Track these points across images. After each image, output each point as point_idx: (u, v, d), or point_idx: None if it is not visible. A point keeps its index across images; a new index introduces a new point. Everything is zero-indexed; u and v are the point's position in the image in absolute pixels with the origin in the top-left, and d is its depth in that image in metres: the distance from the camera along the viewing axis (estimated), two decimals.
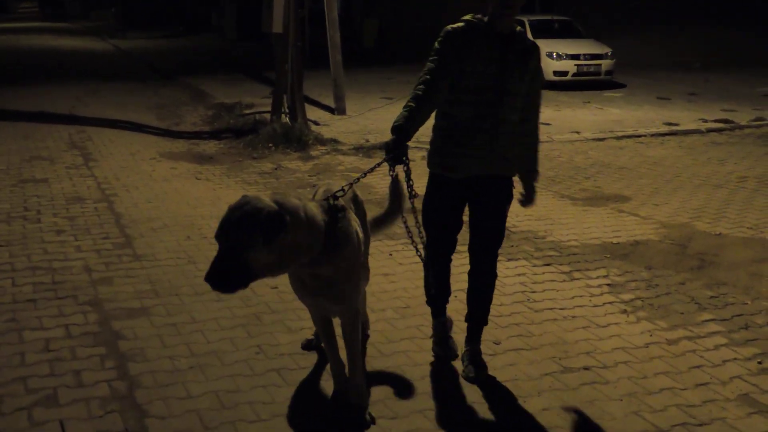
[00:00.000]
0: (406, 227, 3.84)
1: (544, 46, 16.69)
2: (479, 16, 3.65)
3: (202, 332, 4.37)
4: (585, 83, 16.55)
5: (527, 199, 3.94)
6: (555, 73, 16.51)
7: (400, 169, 3.57)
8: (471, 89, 3.57)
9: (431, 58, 3.58)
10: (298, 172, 8.65)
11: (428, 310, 4.69)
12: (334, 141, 10.24)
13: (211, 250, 5.81)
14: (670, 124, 11.88)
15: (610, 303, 4.86)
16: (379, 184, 8.08)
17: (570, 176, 8.50)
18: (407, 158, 3.43)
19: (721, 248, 5.95)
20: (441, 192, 3.80)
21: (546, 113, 13.07)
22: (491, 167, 3.68)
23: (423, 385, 3.79)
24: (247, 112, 12.70)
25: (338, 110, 12.73)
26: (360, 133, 10.94)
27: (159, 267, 5.46)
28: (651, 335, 4.37)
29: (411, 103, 3.47)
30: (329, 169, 8.76)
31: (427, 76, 3.52)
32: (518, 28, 3.67)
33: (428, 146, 3.87)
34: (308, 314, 4.61)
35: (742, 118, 12.43)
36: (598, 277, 5.32)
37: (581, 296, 4.95)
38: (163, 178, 8.23)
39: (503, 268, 5.47)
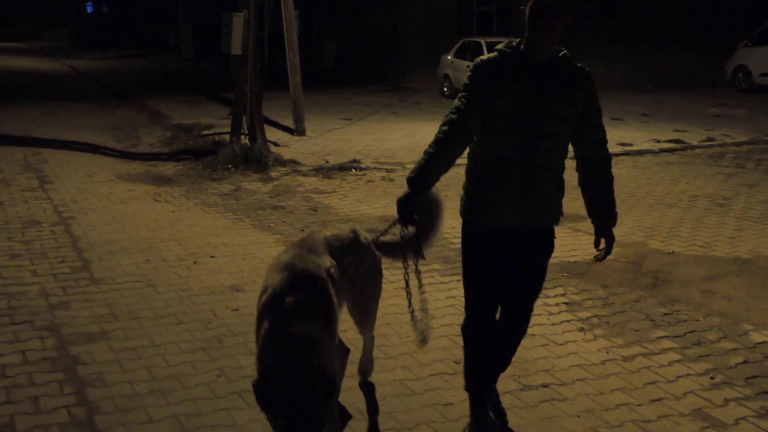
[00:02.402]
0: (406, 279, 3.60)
1: None
2: (515, 43, 3.15)
3: (163, 356, 4.35)
4: None
5: (607, 250, 3.38)
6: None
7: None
8: (500, 130, 3.10)
9: (460, 95, 3.14)
10: (258, 193, 8.65)
11: (388, 330, 4.74)
12: (294, 162, 10.27)
13: (171, 272, 5.80)
14: (624, 144, 12.12)
15: (567, 321, 4.95)
16: (339, 204, 8.12)
17: None
18: (415, 220, 3.07)
19: (674, 266, 6.09)
20: (474, 243, 3.33)
21: None
22: (525, 217, 3.21)
23: (392, 403, 3.81)
24: (206, 133, 12.66)
25: (298, 131, 12.77)
26: (320, 154, 10.98)
27: (117, 290, 5.42)
28: (607, 352, 4.46)
29: (430, 149, 3.05)
30: (289, 191, 8.77)
31: (453, 116, 3.08)
32: (562, 52, 3.15)
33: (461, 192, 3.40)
34: None
35: (693, 138, 12.74)
36: (555, 296, 5.41)
37: (539, 314, 5.03)
38: (120, 201, 8.16)
39: (462, 288, 5.53)
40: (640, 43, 24.24)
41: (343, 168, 9.99)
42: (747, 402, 3.87)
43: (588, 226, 7.24)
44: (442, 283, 5.67)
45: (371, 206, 8.04)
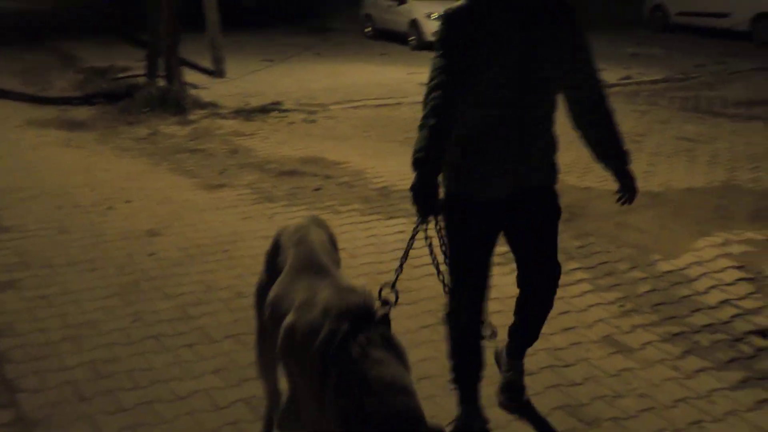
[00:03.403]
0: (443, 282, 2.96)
1: (424, 7, 16.85)
2: None
3: (76, 303, 4.27)
4: None
5: (628, 191, 3.05)
6: (434, 33, 16.68)
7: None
8: (489, 85, 2.73)
9: (437, 55, 2.73)
10: (176, 136, 8.45)
11: None
12: (214, 104, 10.05)
13: (84, 218, 5.65)
14: None
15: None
16: (259, 146, 8.01)
17: None
18: (440, 205, 2.64)
19: (588, 201, 6.24)
20: (465, 220, 2.90)
21: (426, 74, 13.21)
22: (524, 180, 2.89)
23: None
24: (121, 75, 12.25)
25: (217, 73, 12.48)
26: (240, 96, 10.76)
27: (28, 238, 5.26)
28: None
29: (430, 120, 2.59)
30: (209, 133, 8.59)
31: (443, 77, 2.65)
32: None
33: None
34: (189, 279, 4.59)
35: (611, 77, 12.92)
36: None
37: None
38: (31, 147, 7.88)
39: (383, 227, 5.58)
40: None
41: (264, 110, 9.83)
42: (653, 327, 4.03)
43: None
44: (362, 222, 5.68)
45: (293, 148, 7.96)
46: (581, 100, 2.94)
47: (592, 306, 4.30)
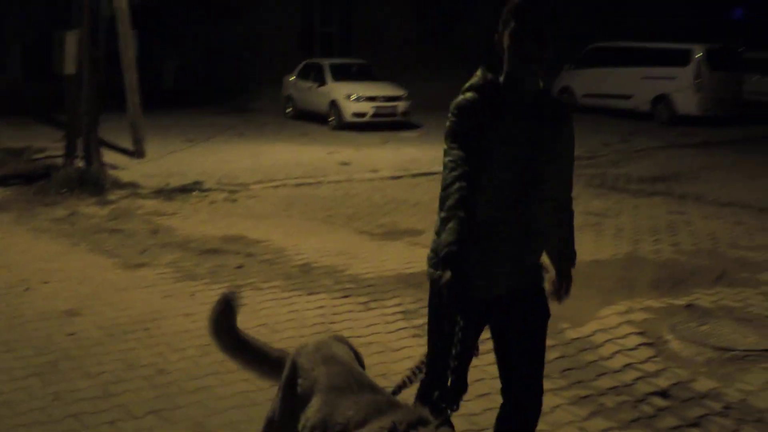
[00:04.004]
0: None
1: (343, 88, 17.35)
2: (490, 77, 2.73)
3: None
4: (382, 124, 17.30)
5: (562, 291, 3.05)
6: (354, 114, 17.15)
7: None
8: (496, 183, 2.66)
9: (451, 145, 2.64)
10: (95, 217, 8.43)
11: None
12: (134, 185, 10.07)
13: (1, 300, 5.59)
14: None
15: (403, 328, 5.20)
16: (180, 225, 8.07)
17: (368, 213, 8.90)
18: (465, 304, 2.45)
19: None
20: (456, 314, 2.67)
21: (346, 153, 13.59)
22: (517, 281, 2.81)
23: (233, 414, 3.89)
24: (38, 156, 12.16)
25: (137, 153, 12.51)
26: (161, 176, 10.81)
27: None
28: None
29: (459, 212, 2.46)
30: (128, 213, 8.60)
31: (465, 167, 2.55)
32: (541, 84, 2.78)
33: (430, 247, 2.94)
34: (109, 357, 4.60)
35: None
36: (393, 306, 5.66)
37: (377, 324, 5.26)
38: None
39: (304, 302, 5.70)
40: (476, 65, 25.37)
41: (185, 190, 9.91)
42: (562, 392, 4.25)
43: (425, 239, 7.62)
44: (284, 298, 5.79)
45: (214, 226, 8.04)
46: (558, 198, 2.89)
47: None
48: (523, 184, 2.71)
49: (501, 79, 2.72)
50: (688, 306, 5.66)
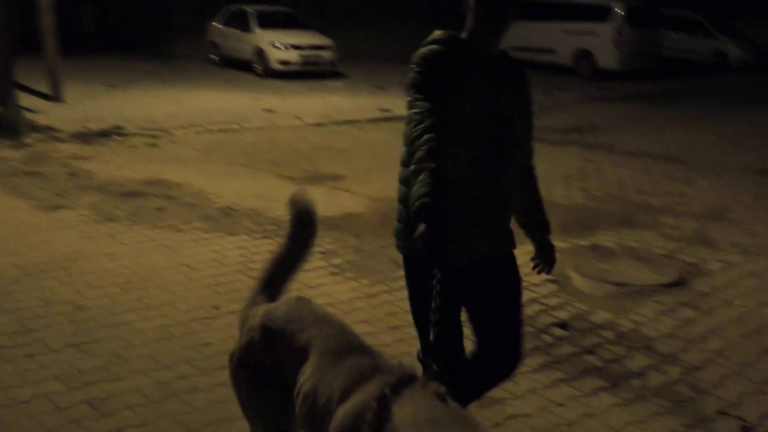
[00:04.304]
0: None
1: (269, 35, 17.18)
2: (452, 33, 2.69)
3: None
4: (309, 73, 17.24)
5: (547, 261, 3.05)
6: (279, 62, 17.03)
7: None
8: (462, 141, 2.59)
9: (416, 96, 2.54)
10: (11, 160, 8.27)
11: (149, 284, 4.90)
12: (51, 128, 9.88)
13: None
14: (384, 110, 12.84)
15: (321, 267, 5.36)
16: (99, 169, 8.00)
17: (291, 159, 8.98)
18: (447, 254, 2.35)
19: None
20: (426, 282, 2.48)
21: (271, 100, 13.55)
22: (491, 248, 2.76)
23: (152, 346, 4.00)
24: None
25: (55, 97, 12.22)
26: (79, 120, 10.62)
27: None
28: (355, 291, 4.94)
29: (430, 163, 2.36)
30: (45, 157, 8.47)
31: (432, 119, 2.46)
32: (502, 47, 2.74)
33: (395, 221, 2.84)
34: (27, 295, 4.63)
35: None
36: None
37: None
38: None
39: (225, 242, 5.80)
40: (402, 17, 25.38)
41: (104, 134, 9.78)
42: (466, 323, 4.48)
43: (346, 184, 7.77)
44: (205, 239, 5.87)
45: (134, 171, 8.01)
46: (522, 163, 2.83)
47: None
48: (489, 143, 2.63)
49: (464, 36, 2.67)
50: (592, 246, 5.98)
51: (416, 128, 2.46)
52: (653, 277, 5.30)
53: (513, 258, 2.88)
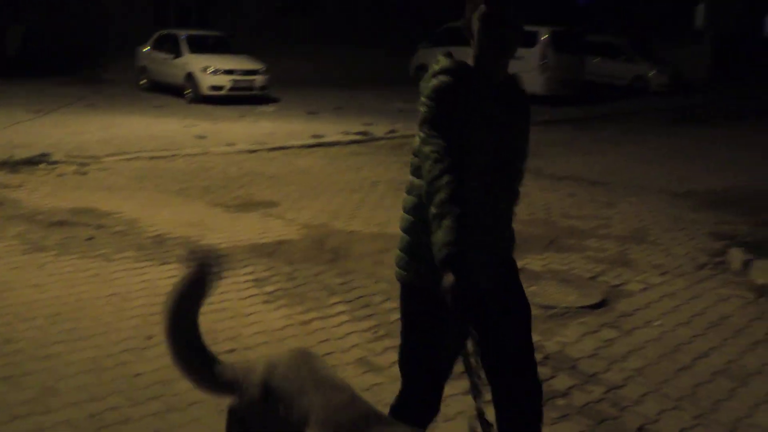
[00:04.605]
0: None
1: (200, 61, 17.13)
2: (460, 61, 2.64)
3: None
4: (240, 98, 17.22)
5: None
6: (211, 87, 16.98)
7: None
8: (475, 171, 2.56)
9: (430, 133, 2.51)
10: None
11: (79, 315, 4.86)
12: None
13: None
14: (317, 136, 12.94)
15: (254, 295, 5.40)
16: (26, 198, 7.86)
17: (223, 186, 8.98)
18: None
19: (352, 243, 6.81)
20: (429, 314, 2.63)
21: (203, 126, 13.51)
22: (503, 274, 2.78)
23: (83, 378, 3.98)
24: None
25: None
26: (4, 147, 10.42)
27: None
28: (288, 319, 4.99)
29: (454, 208, 2.35)
30: None
31: (449, 159, 2.44)
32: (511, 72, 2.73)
33: (398, 251, 2.76)
34: None
35: (379, 131, 13.92)
36: (245, 274, 5.83)
37: (229, 291, 5.42)
38: None
39: (156, 271, 5.78)
40: (333, 41, 25.61)
41: (31, 162, 9.61)
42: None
43: (279, 211, 7.81)
44: (136, 268, 5.84)
45: (62, 199, 7.89)
46: (518, 187, 2.83)
47: (349, 333, 4.79)
48: (497, 171, 2.63)
49: (471, 63, 2.64)
50: (520, 270, 6.14)
51: (434, 166, 2.44)
52: (578, 299, 5.50)
53: (520, 283, 2.86)
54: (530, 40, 19.39)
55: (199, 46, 18.05)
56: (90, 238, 6.51)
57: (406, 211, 2.72)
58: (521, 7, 2.63)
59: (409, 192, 2.71)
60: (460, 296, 2.27)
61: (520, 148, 2.73)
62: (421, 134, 2.56)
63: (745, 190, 9.80)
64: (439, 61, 2.66)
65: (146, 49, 19.05)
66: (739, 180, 10.46)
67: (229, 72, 17.22)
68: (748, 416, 3.95)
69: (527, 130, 2.77)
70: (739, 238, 7.09)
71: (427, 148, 2.50)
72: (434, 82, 2.58)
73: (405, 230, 2.72)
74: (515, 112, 2.70)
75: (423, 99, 2.59)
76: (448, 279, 2.27)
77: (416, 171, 2.64)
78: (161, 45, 18.61)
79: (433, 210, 2.39)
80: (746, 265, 6.22)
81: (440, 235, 2.32)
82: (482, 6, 2.59)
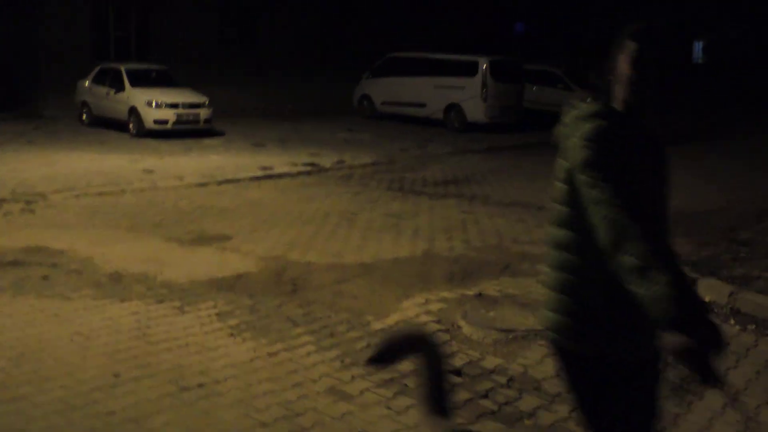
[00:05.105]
0: None
1: (143, 95, 17.01)
2: (608, 105, 2.47)
3: None
4: (185, 131, 17.13)
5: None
6: (155, 121, 16.85)
7: None
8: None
9: (603, 176, 2.27)
10: None
11: (42, 355, 4.81)
12: None
13: None
14: (265, 168, 12.97)
15: (218, 329, 5.41)
16: None
17: (176, 220, 8.95)
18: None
19: (310, 273, 6.87)
20: (617, 381, 2.42)
21: (149, 161, 13.41)
22: (658, 341, 2.43)
23: (54, 418, 3.94)
24: None
25: None
26: None
27: None
28: (255, 351, 5.01)
29: (665, 257, 2.12)
30: None
31: (633, 205, 2.21)
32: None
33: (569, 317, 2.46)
34: None
35: (326, 161, 14.02)
36: (207, 308, 5.84)
37: (193, 326, 5.43)
38: None
39: (117, 309, 5.74)
40: (276, 73, 25.68)
41: None
42: (369, 377, 4.65)
43: (234, 244, 7.83)
44: (96, 306, 5.79)
45: (11, 238, 7.76)
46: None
47: (317, 363, 4.85)
48: (659, 221, 2.46)
49: (617, 107, 2.47)
50: (477, 295, 6.31)
51: (619, 213, 2.18)
52: (537, 322, 5.65)
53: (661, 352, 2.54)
54: (472, 70, 19.82)
55: (141, 80, 17.90)
56: (45, 278, 6.43)
57: (560, 268, 2.47)
58: (666, 42, 2.45)
59: (559, 246, 2.48)
60: (700, 357, 2.03)
61: (667, 197, 2.54)
62: (583, 177, 2.31)
63: (683, 211, 10.19)
64: (579, 105, 2.50)
65: (87, 83, 18.81)
66: (677, 201, 10.86)
67: (174, 105, 17.11)
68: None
69: (669, 180, 2.57)
70: (684, 258, 7.37)
71: (597, 193, 2.26)
72: (590, 125, 2.38)
73: (559, 290, 2.46)
74: (661, 161, 2.54)
75: (584, 142, 2.34)
76: (683, 342, 2.01)
77: (567, 222, 2.44)
78: (102, 79, 18.40)
79: (634, 262, 2.11)
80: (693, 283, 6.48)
81: (659, 290, 2.05)
82: (630, 44, 2.42)
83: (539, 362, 4.98)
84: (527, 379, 4.73)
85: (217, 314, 5.72)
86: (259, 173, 12.52)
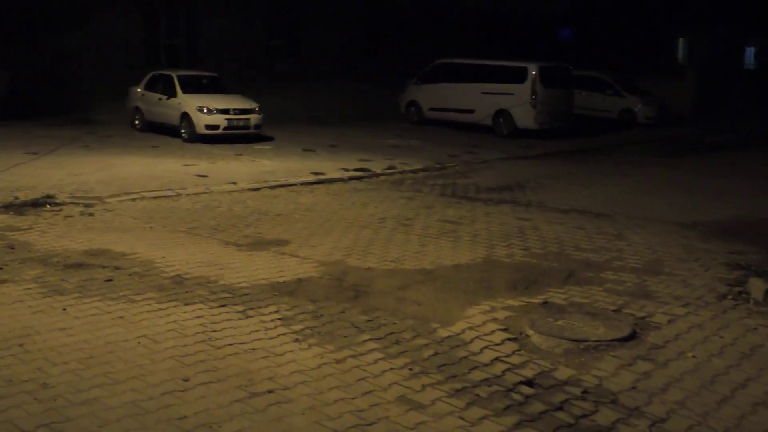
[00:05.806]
0: None
1: (195, 101, 17.15)
2: None
3: None
4: (236, 137, 17.22)
5: None
6: (207, 126, 16.97)
7: None
8: None
9: None
10: None
11: (111, 357, 4.80)
12: None
13: None
14: (316, 173, 12.95)
15: (283, 334, 5.36)
16: (38, 240, 7.79)
17: (232, 224, 8.95)
18: None
19: (371, 279, 6.79)
20: None
21: (202, 165, 13.49)
22: None
23: (127, 422, 3.91)
24: None
25: None
26: (7, 189, 10.33)
27: None
28: (322, 357, 4.95)
29: None
30: None
31: None
32: None
33: None
34: None
35: (376, 167, 13.96)
36: (270, 313, 5.79)
37: (257, 331, 5.39)
38: None
39: (181, 312, 5.72)
40: (322, 79, 25.75)
41: (36, 204, 9.54)
42: (440, 386, 4.56)
43: (291, 249, 7.79)
44: (160, 309, 5.78)
45: (74, 241, 7.83)
46: None
47: (385, 371, 4.76)
48: None
49: None
50: (544, 303, 6.17)
51: None
52: (607, 332, 5.50)
53: None
54: (521, 76, 19.63)
55: (193, 86, 18.05)
56: (109, 280, 6.45)
57: None
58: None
59: None
60: None
61: None
62: None
63: (749, 219, 9.92)
64: None
65: (139, 89, 19.05)
66: (741, 209, 10.59)
67: (224, 111, 17.22)
68: None
69: None
70: (756, 268, 7.15)
71: None
72: None
73: None
74: None
75: None
76: None
77: None
78: (154, 85, 18.60)
79: None
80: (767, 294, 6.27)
81: None
82: None
83: (613, 374, 4.83)
84: (603, 392, 4.58)
85: (281, 319, 5.67)
86: (311, 178, 12.50)
